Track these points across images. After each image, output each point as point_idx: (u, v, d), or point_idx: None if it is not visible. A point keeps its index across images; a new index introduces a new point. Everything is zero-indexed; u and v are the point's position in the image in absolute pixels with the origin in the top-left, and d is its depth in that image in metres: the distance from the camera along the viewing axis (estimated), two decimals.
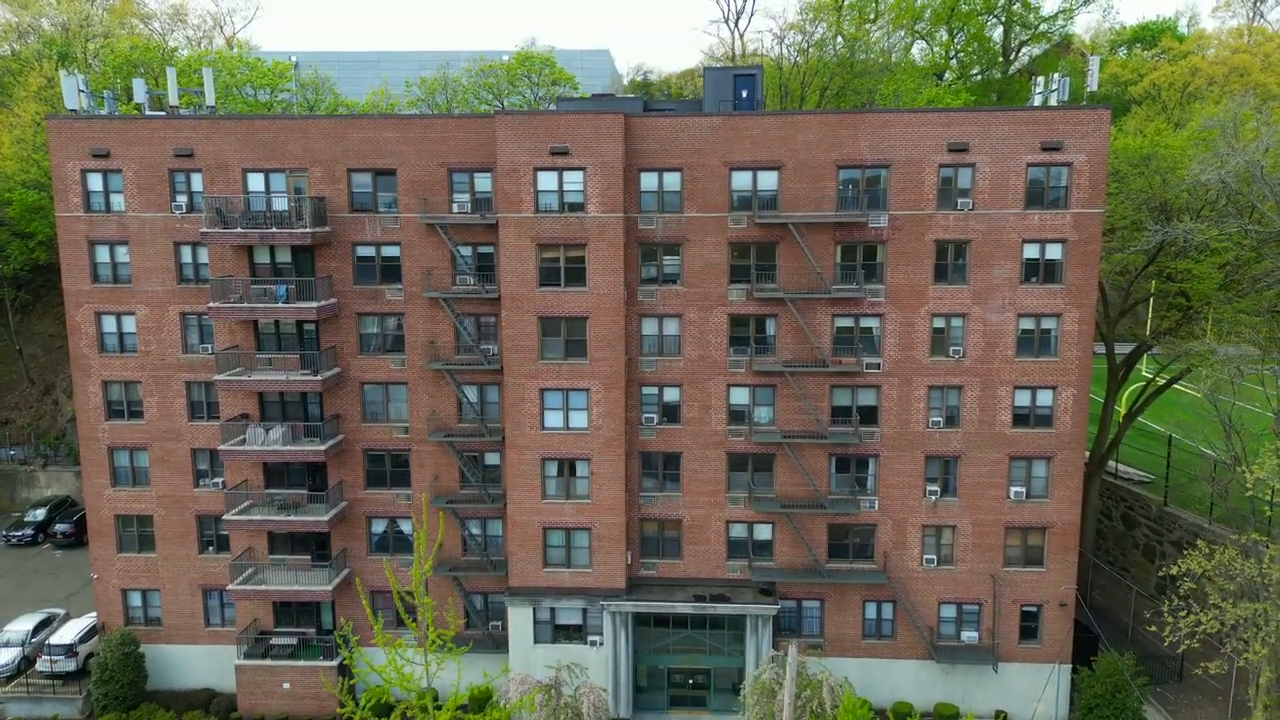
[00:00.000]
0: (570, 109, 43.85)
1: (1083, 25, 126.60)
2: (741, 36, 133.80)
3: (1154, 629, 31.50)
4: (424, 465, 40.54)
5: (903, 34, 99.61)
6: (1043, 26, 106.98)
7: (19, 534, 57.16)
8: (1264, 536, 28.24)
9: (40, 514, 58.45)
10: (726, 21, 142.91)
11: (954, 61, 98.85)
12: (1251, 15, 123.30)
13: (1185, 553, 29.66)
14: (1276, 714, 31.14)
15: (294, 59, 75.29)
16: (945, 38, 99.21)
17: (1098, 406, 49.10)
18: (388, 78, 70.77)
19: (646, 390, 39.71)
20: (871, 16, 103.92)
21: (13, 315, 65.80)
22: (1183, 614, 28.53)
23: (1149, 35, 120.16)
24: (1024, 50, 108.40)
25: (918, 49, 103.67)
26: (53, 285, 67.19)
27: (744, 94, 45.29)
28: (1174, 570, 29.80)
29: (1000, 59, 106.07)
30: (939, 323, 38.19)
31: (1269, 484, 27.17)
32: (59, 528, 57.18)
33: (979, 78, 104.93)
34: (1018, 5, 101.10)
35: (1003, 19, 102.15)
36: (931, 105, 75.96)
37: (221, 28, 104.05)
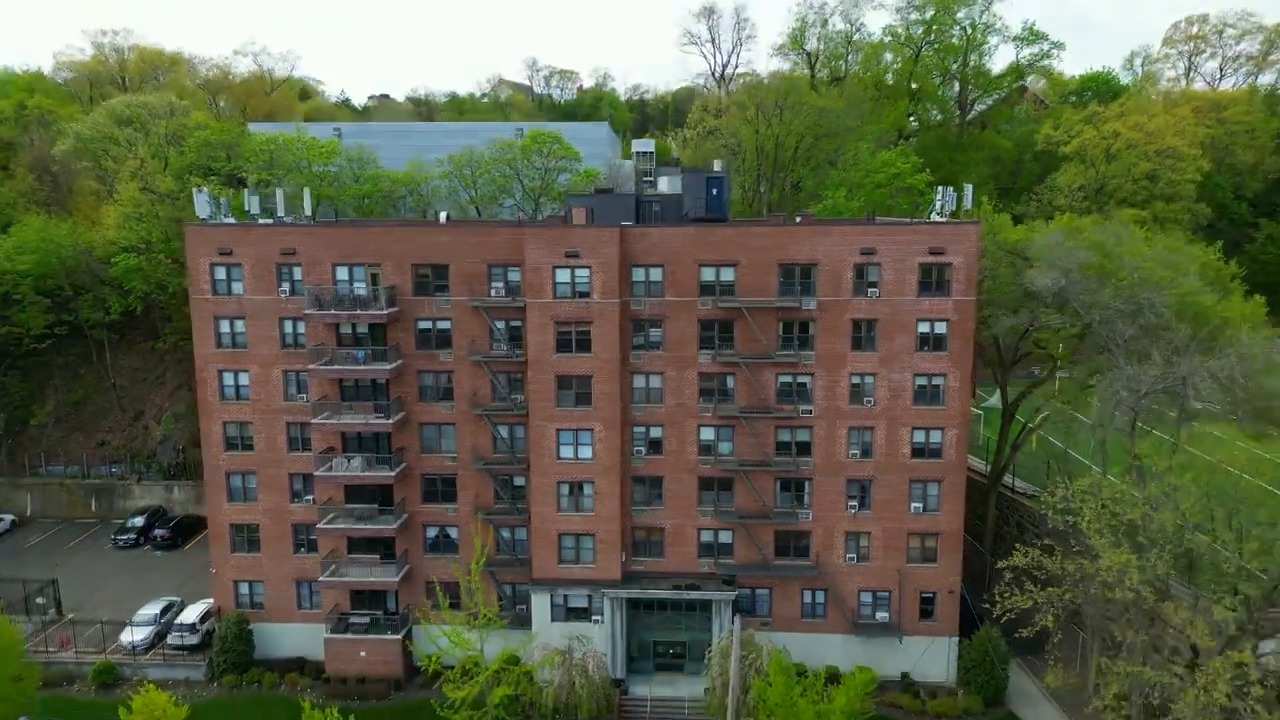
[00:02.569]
0: (579, 203, 56.78)
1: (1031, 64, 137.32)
2: (726, 85, 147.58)
3: (987, 605, 44.21)
4: (467, 486, 53.23)
5: (869, 91, 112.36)
6: (993, 85, 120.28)
7: (124, 538, 69.76)
8: (1059, 541, 40.78)
9: (139, 521, 71.05)
10: (713, 74, 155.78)
11: (912, 119, 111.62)
12: (1188, 67, 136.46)
13: (1014, 551, 42.25)
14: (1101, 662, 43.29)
15: (338, 131, 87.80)
16: (906, 98, 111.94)
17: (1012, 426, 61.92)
18: (421, 157, 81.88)
19: (637, 429, 52.35)
20: (842, 73, 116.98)
21: (109, 353, 78.23)
22: (1007, 596, 41.11)
23: (1093, 86, 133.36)
24: (978, 104, 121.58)
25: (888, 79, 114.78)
26: (135, 327, 79.95)
27: (714, 192, 58.30)
28: (1001, 565, 42.42)
29: (957, 112, 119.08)
30: (855, 380, 50.89)
31: (1056, 505, 39.78)
32: (157, 532, 69.84)
33: (938, 119, 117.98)
34: (970, 68, 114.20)
35: (958, 77, 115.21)
36: (885, 167, 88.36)
37: (265, 80, 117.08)
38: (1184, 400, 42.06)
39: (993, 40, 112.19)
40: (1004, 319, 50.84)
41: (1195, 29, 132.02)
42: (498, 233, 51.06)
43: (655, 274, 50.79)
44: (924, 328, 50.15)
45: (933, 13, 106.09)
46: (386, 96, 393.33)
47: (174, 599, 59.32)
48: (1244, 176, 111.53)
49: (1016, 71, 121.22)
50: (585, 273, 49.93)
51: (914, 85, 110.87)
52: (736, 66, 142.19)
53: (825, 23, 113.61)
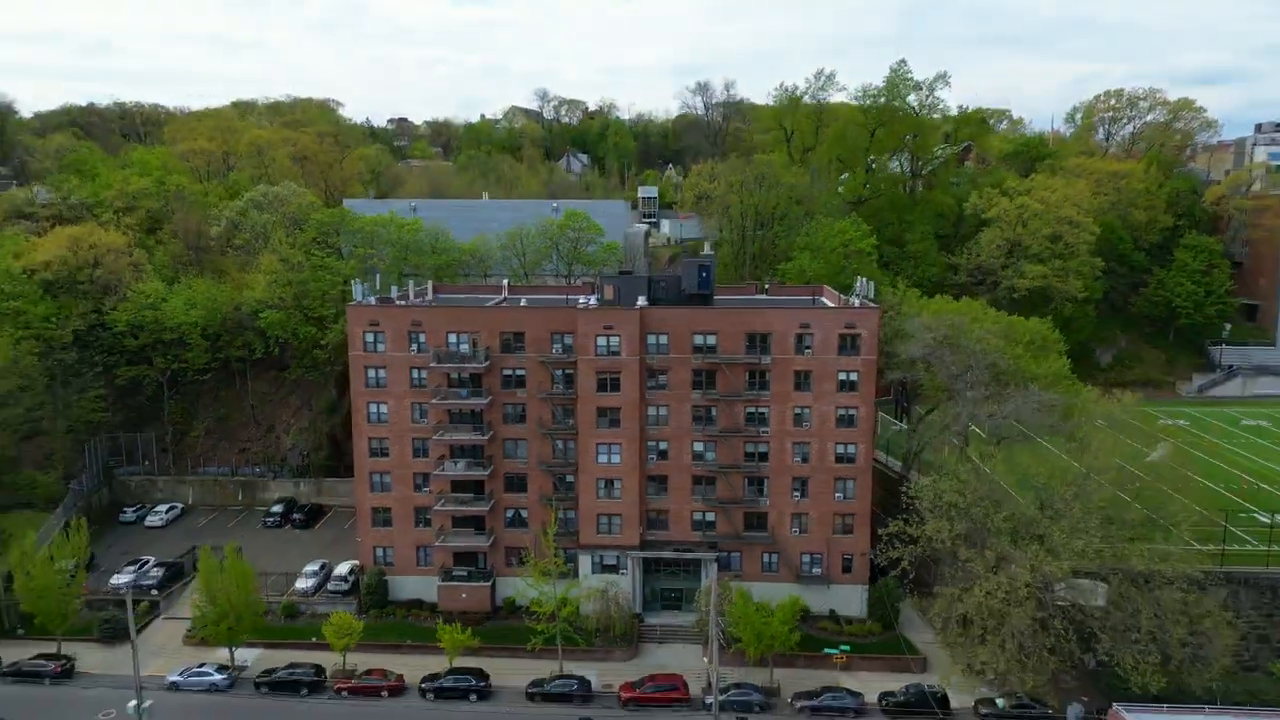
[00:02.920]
0: (609, 281, 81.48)
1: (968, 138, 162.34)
2: (724, 150, 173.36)
3: (872, 557, 69.08)
4: (535, 481, 78.09)
5: (834, 164, 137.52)
6: (937, 151, 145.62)
7: (270, 520, 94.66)
8: (916, 517, 65.52)
9: (279, 508, 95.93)
10: (707, 138, 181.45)
11: (867, 187, 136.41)
12: (1108, 133, 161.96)
13: (889, 523, 66.87)
14: (947, 589, 67.56)
15: (414, 209, 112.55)
16: (863, 169, 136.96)
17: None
18: (481, 229, 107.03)
19: (650, 443, 77.09)
20: (813, 144, 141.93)
21: (248, 381, 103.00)
22: (884, 552, 65.77)
23: (1025, 149, 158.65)
24: (925, 167, 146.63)
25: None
26: (261, 362, 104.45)
27: (703, 275, 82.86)
28: (880, 532, 67.11)
29: (908, 178, 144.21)
30: (797, 411, 75.64)
31: (911, 493, 64.56)
32: (295, 515, 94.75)
33: (894, 170, 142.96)
34: (917, 140, 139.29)
35: (910, 149, 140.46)
36: (840, 233, 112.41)
37: (339, 155, 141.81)
38: (994, 427, 66.98)
39: (936, 117, 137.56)
40: (892, 372, 75.79)
41: (1114, 101, 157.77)
42: (558, 312, 76.06)
43: (663, 339, 75.60)
44: (842, 376, 74.93)
45: (884, 100, 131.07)
46: (405, 120, 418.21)
47: (324, 561, 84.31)
48: (1141, 231, 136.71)
49: (956, 139, 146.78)
50: (617, 339, 74.76)
51: (871, 158, 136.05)
52: (728, 134, 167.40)
53: (798, 103, 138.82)
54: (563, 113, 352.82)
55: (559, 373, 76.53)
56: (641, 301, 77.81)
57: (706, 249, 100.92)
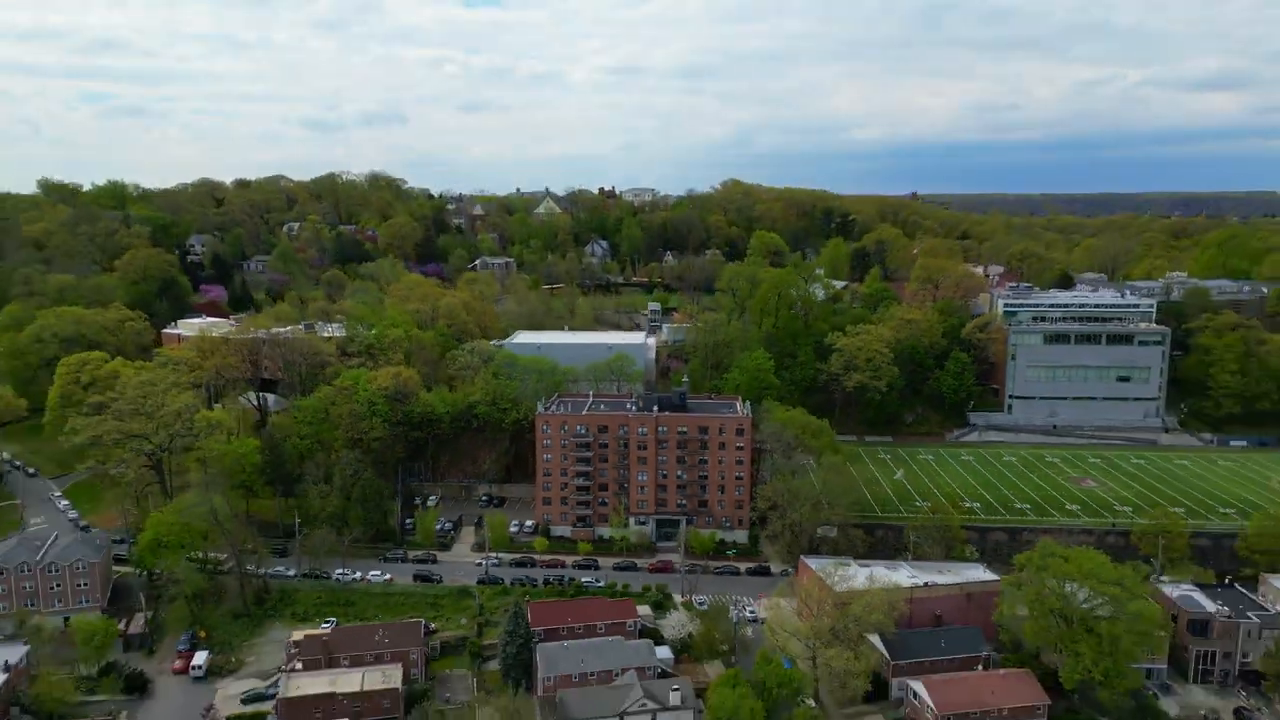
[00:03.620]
0: (639, 395, 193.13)
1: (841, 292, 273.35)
2: (701, 311, 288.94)
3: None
4: (610, 486, 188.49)
5: (759, 314, 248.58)
6: (817, 298, 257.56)
7: (481, 503, 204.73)
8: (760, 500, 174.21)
9: (485, 498, 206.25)
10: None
11: (776, 327, 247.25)
12: (928, 283, 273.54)
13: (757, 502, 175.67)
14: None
15: (539, 348, 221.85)
16: (773, 315, 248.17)
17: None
18: (569, 356, 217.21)
19: (659, 471, 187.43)
20: (748, 296, 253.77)
21: (466, 436, 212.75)
22: (752, 512, 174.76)
23: (875, 293, 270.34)
24: (810, 311, 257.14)
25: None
26: (473, 428, 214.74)
27: (682, 395, 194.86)
28: (751, 506, 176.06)
29: (802, 315, 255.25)
30: (719, 460, 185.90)
31: (759, 492, 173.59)
32: (494, 501, 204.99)
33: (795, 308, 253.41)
34: (806, 294, 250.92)
35: (801, 300, 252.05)
36: (755, 360, 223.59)
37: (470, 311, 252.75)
38: (791, 466, 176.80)
39: (816, 284, 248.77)
40: (761, 443, 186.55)
41: (933, 272, 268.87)
42: (620, 415, 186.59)
43: (664, 428, 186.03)
44: (737, 444, 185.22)
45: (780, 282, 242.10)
46: (460, 198, 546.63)
47: (518, 520, 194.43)
48: (929, 348, 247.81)
49: (832, 288, 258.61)
50: (646, 428, 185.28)
51: (777, 309, 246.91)
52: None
53: (734, 277, 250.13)
54: (585, 204, 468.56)
55: (622, 442, 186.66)
56: (655, 409, 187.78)
57: (684, 373, 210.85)
